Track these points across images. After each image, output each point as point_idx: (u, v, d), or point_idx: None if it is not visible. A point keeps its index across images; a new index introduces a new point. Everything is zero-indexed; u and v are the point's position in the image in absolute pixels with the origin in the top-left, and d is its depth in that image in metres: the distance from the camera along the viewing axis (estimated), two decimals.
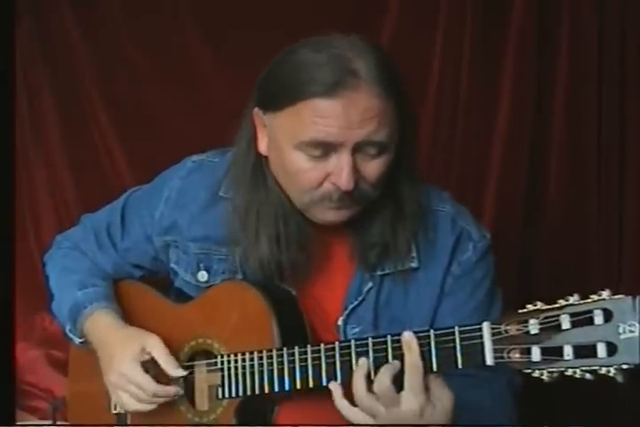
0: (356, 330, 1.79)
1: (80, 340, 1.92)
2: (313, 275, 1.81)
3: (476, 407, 1.70)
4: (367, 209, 1.74)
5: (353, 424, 1.64)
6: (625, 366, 1.31)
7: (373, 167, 1.67)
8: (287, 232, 1.75)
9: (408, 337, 1.55)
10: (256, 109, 1.73)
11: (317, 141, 1.63)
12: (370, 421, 1.57)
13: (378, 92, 1.62)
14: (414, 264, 1.80)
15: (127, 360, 1.79)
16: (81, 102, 2.99)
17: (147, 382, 1.78)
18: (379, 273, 1.80)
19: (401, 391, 1.54)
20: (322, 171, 1.65)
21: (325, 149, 1.63)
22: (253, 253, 1.77)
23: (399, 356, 1.56)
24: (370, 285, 1.79)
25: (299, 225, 1.76)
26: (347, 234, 1.79)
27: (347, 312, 1.79)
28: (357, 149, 1.63)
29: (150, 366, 1.79)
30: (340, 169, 1.63)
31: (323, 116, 1.61)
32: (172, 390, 1.79)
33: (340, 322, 1.79)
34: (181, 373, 1.79)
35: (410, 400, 1.53)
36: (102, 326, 1.88)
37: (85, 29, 2.95)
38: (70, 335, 1.94)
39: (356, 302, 1.79)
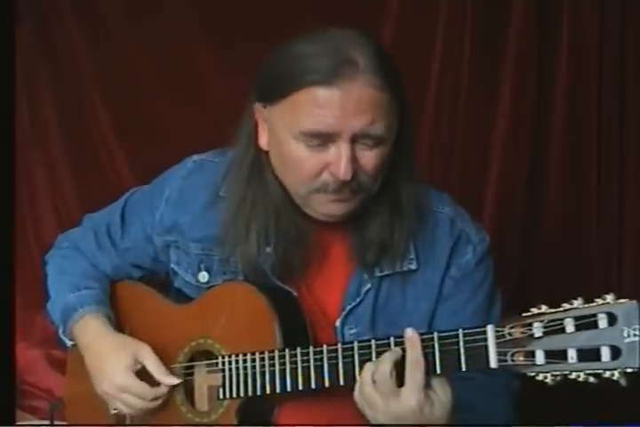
0: (354, 331, 1.78)
1: (71, 342, 1.93)
2: (310, 273, 1.80)
3: (472, 410, 1.69)
4: (365, 207, 1.74)
5: (353, 424, 1.65)
6: (629, 370, 1.31)
7: (371, 158, 1.66)
8: (279, 228, 1.75)
9: (411, 334, 1.55)
10: (256, 104, 1.73)
11: (315, 132, 1.62)
12: (368, 412, 1.57)
13: (375, 83, 1.61)
14: (413, 266, 1.79)
15: (121, 371, 1.80)
16: (81, 103, 2.99)
17: (145, 390, 1.80)
18: (377, 274, 1.79)
19: (401, 387, 1.54)
20: (320, 160, 1.65)
21: (324, 139, 1.63)
22: (242, 248, 1.77)
23: (402, 356, 1.57)
24: (368, 286, 1.79)
25: (294, 222, 1.75)
26: (344, 233, 1.79)
27: (344, 313, 1.79)
28: (355, 139, 1.63)
29: (142, 373, 1.81)
30: (338, 159, 1.63)
31: (320, 106, 1.61)
32: (163, 388, 1.80)
33: (337, 323, 1.79)
34: (175, 381, 1.80)
35: (409, 396, 1.52)
36: (90, 331, 1.88)
37: (86, 29, 2.95)
38: (62, 337, 1.95)
39: (354, 304, 1.79)
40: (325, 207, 1.71)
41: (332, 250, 1.81)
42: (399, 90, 1.67)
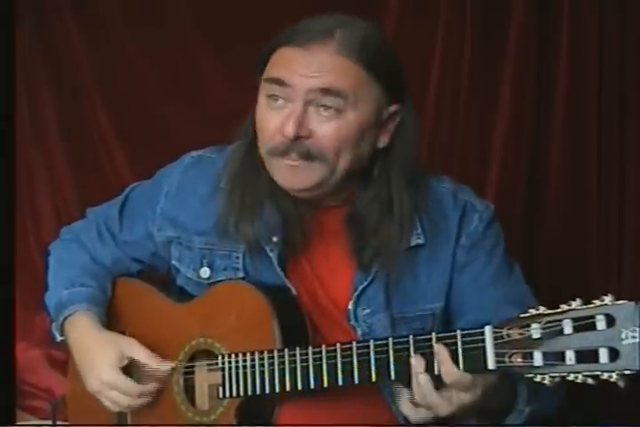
0: (367, 311, 1.79)
1: (61, 337, 1.95)
2: (316, 261, 1.82)
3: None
4: (359, 208, 1.77)
5: (353, 425, 1.65)
6: (627, 372, 1.31)
7: (328, 128, 1.68)
8: (280, 212, 1.77)
9: (436, 349, 1.55)
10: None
11: (274, 78, 1.68)
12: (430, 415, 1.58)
13: (346, 53, 1.66)
14: (420, 240, 1.80)
15: (107, 368, 1.82)
16: (81, 103, 2.99)
17: (130, 386, 1.81)
18: None
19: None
20: (278, 121, 1.69)
21: (282, 93, 1.68)
22: (239, 230, 1.79)
23: (401, 358, 1.57)
24: None
25: (293, 205, 1.77)
26: (343, 224, 1.80)
27: (357, 293, 1.79)
28: (311, 101, 1.67)
29: (132, 368, 1.83)
30: (288, 116, 1.67)
31: (287, 61, 1.68)
32: (149, 385, 1.82)
33: (350, 306, 1.79)
34: (169, 366, 1.82)
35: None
36: (79, 328, 1.90)
37: (86, 30, 2.95)
38: (53, 331, 1.96)
39: (366, 283, 1.79)
40: (282, 175, 1.73)
41: (334, 237, 1.82)
42: (383, 74, 1.71)
